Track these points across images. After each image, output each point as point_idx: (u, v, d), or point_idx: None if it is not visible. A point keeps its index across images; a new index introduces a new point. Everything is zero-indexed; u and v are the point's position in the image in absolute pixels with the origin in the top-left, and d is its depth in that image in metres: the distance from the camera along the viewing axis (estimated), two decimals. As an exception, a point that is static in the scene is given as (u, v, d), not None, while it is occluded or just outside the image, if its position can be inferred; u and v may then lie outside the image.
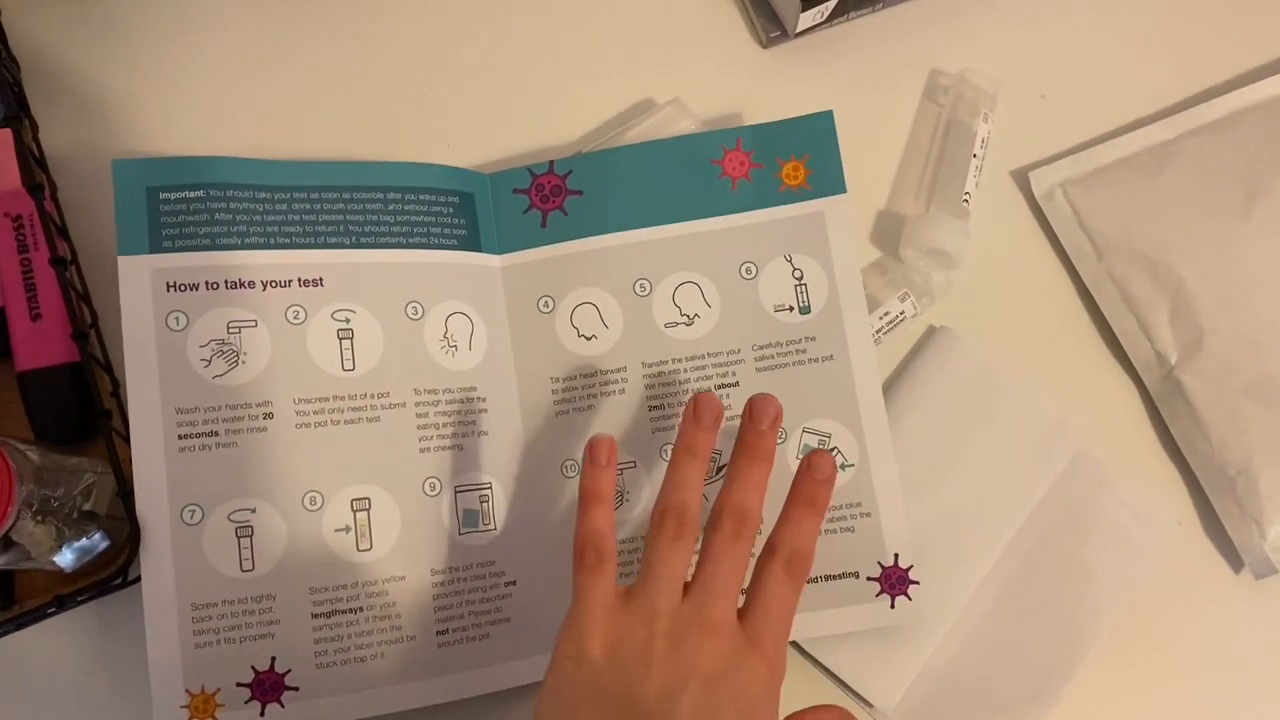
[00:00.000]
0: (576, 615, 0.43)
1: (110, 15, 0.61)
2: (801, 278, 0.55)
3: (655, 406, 0.54)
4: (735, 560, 0.43)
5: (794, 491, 0.46)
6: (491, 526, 0.53)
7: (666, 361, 0.55)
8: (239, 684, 0.49)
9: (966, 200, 0.59)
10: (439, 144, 0.61)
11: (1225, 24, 0.65)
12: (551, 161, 0.57)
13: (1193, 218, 0.59)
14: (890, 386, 0.58)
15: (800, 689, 0.54)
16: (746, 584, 0.45)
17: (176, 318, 0.51)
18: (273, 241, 0.53)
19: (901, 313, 0.57)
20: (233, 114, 0.61)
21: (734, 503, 0.44)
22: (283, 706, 0.49)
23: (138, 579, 0.52)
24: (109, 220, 0.58)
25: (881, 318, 0.57)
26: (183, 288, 0.52)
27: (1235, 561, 0.57)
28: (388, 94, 0.62)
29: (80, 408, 0.53)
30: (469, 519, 0.53)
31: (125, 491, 0.49)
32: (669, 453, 0.51)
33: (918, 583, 0.53)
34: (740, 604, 0.44)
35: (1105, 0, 0.66)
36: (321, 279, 0.53)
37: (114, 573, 0.51)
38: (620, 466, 0.54)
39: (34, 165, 0.56)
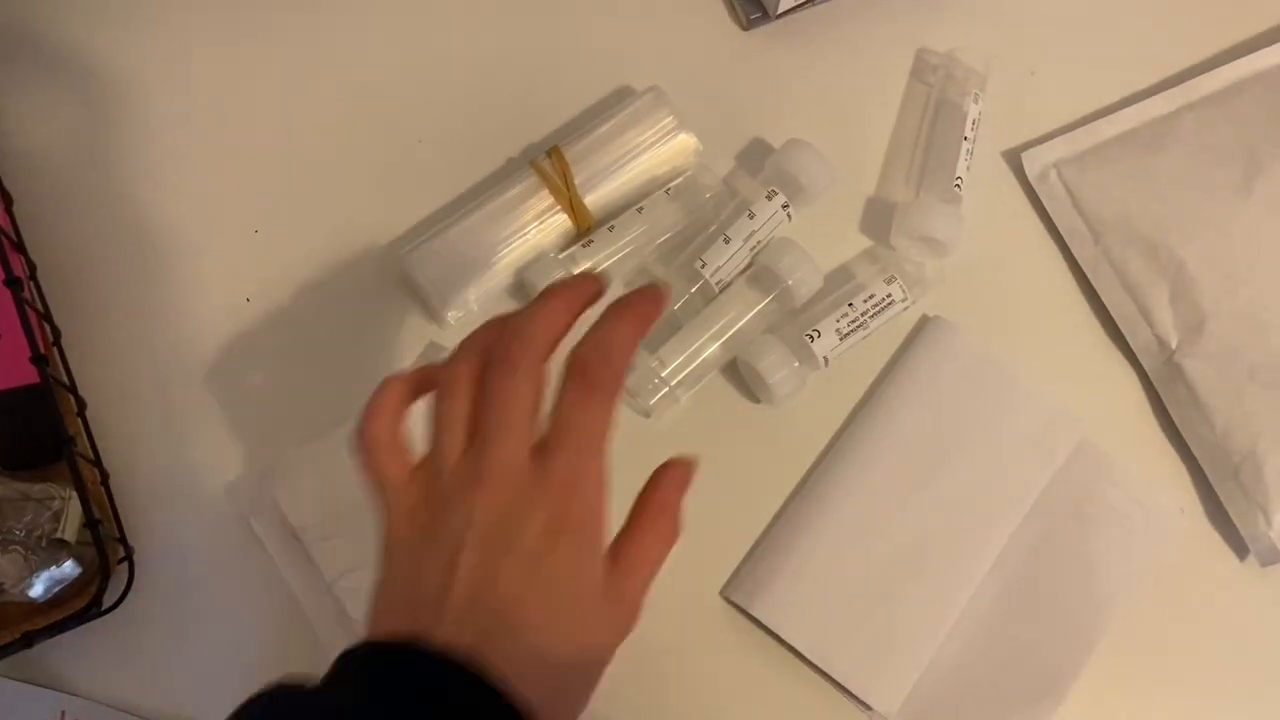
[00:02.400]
0: None
1: (69, 18, 0.59)
2: None
3: None
4: (513, 392, 0.36)
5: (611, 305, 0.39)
6: None
7: None
8: None
9: (958, 185, 0.57)
10: (409, 139, 0.59)
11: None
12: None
13: (1192, 196, 0.57)
14: (884, 378, 0.56)
15: (798, 692, 0.53)
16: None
17: None
18: None
19: (888, 296, 0.55)
20: (209, 110, 0.59)
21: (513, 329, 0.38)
22: None
23: (113, 608, 0.51)
24: (71, 231, 0.56)
25: (866, 300, 0.55)
26: None
27: (1241, 548, 0.55)
28: (358, 86, 0.59)
29: (46, 431, 0.51)
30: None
31: (93, 520, 0.47)
32: None
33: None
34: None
35: (1096, -31, 0.63)
36: None
37: (89, 602, 0.49)
38: None
39: (-14, 179, 0.54)
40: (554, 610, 0.35)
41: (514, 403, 0.36)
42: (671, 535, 0.39)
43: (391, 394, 0.39)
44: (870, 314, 0.55)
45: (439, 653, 0.32)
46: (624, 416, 0.55)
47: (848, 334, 0.55)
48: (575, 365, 0.36)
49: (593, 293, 0.39)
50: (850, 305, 0.55)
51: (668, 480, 0.39)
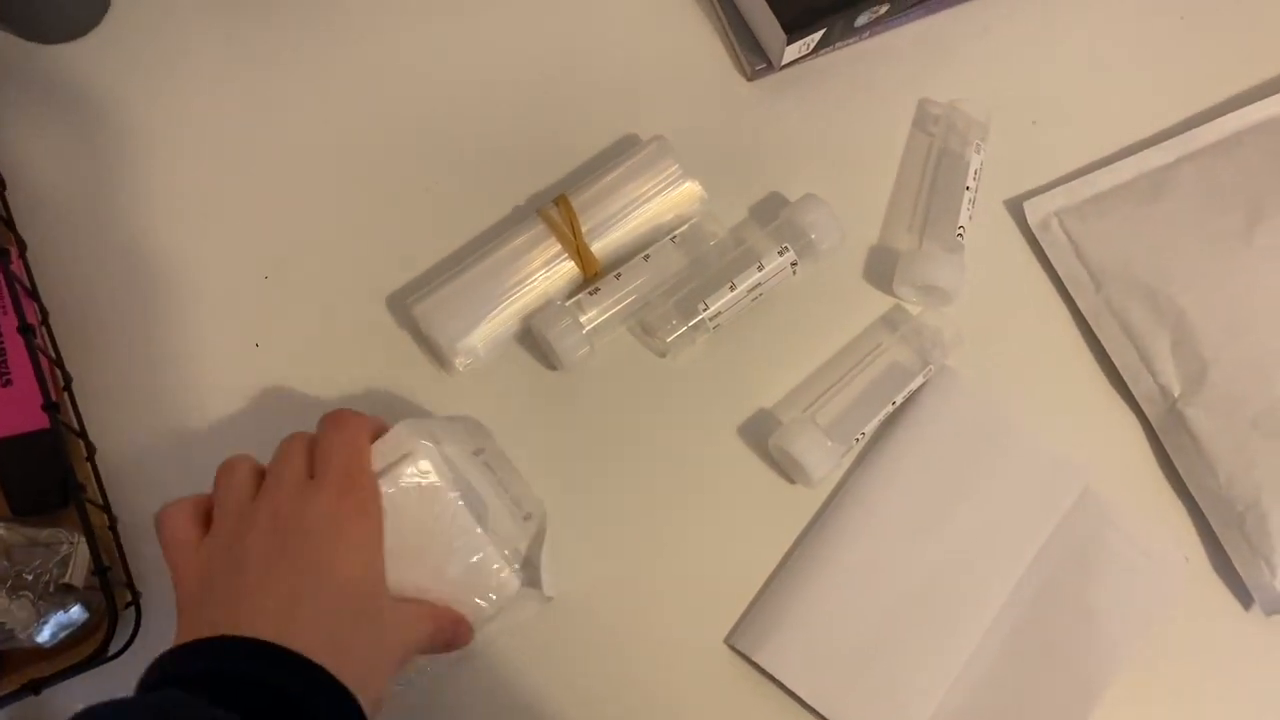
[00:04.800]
0: None
1: (82, 64, 0.60)
2: None
3: None
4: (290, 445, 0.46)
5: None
6: None
7: None
8: None
9: (960, 234, 0.57)
10: (417, 188, 0.59)
11: (1220, 44, 0.64)
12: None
13: (1193, 244, 0.58)
14: (890, 428, 0.57)
15: (804, 743, 0.53)
16: None
17: None
18: None
19: (921, 377, 0.57)
20: (221, 157, 0.59)
21: None
22: None
23: (121, 653, 0.51)
24: (83, 276, 0.57)
25: (905, 393, 0.56)
26: None
27: (1245, 598, 0.55)
28: (367, 134, 0.60)
29: (55, 476, 0.52)
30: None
31: (101, 567, 0.48)
32: None
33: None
34: None
35: (1096, 22, 0.64)
36: None
37: (97, 647, 0.49)
38: None
39: (1, 226, 0.55)
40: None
41: (286, 459, 0.45)
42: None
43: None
44: (903, 397, 0.56)
45: (244, 639, 0.38)
46: (642, 356, 0.58)
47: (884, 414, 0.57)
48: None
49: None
50: (893, 404, 0.56)
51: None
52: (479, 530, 0.46)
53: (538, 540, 0.53)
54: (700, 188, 0.57)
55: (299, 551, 0.41)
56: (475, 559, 0.46)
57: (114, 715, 0.35)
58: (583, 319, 0.55)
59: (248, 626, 0.38)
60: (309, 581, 0.41)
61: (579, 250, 0.56)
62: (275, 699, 0.36)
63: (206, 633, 0.38)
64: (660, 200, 0.57)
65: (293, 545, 0.41)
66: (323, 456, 0.45)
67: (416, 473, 0.45)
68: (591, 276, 0.56)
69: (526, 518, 0.53)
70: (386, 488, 0.45)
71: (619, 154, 0.58)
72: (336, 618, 0.40)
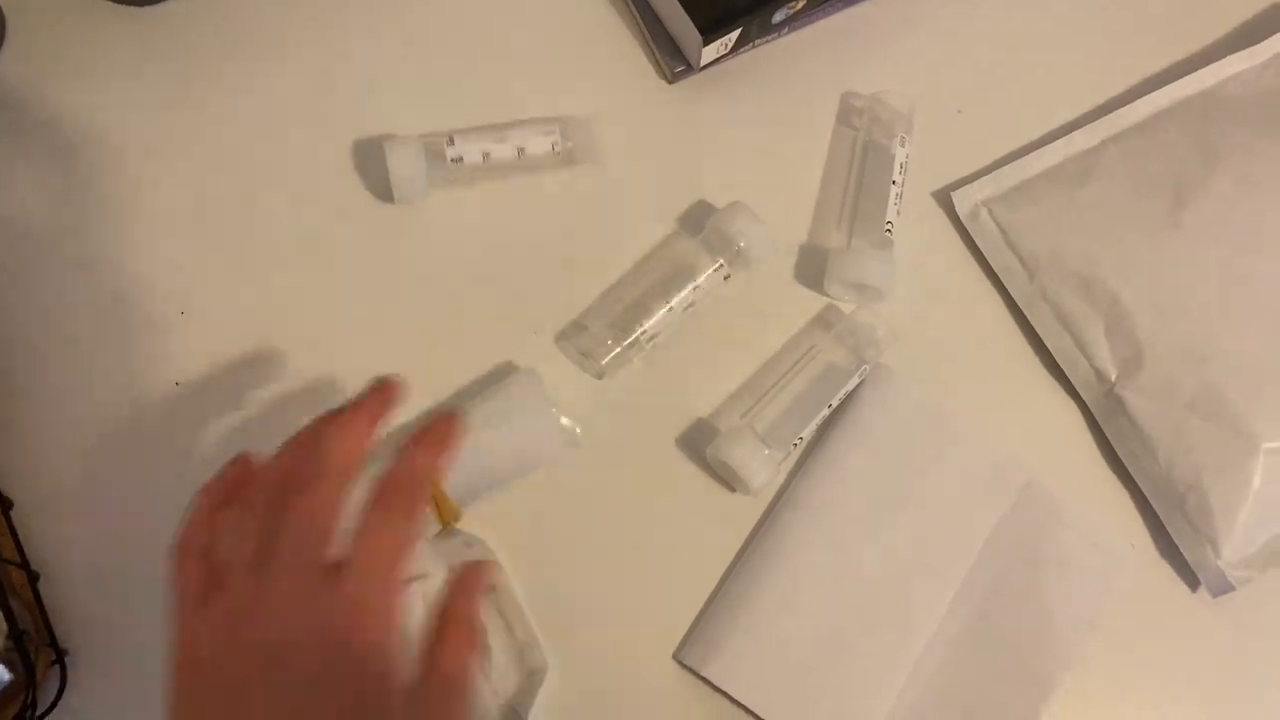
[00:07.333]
0: None
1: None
2: None
3: None
4: (302, 513, 0.37)
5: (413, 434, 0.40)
6: None
7: None
8: None
9: (889, 230, 0.56)
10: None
11: (1138, 24, 0.64)
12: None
13: (1122, 229, 0.57)
14: (828, 430, 0.56)
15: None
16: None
17: None
18: None
19: (856, 376, 0.56)
20: (119, 196, 0.57)
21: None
22: None
23: (47, 712, 0.49)
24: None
25: (840, 395, 0.55)
26: None
27: (1192, 580, 0.55)
28: (276, 173, 0.58)
29: (-34, 536, 0.50)
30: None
31: (16, 633, 0.46)
32: None
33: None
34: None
35: (1015, 4, 0.64)
36: None
37: (19, 709, 0.47)
38: None
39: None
40: None
41: (301, 525, 0.37)
42: (469, 646, 0.38)
43: (203, 505, 0.40)
44: (840, 399, 0.56)
45: None
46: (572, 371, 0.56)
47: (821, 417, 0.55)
48: (376, 492, 0.38)
49: (388, 400, 0.41)
50: (829, 406, 0.55)
51: (460, 590, 0.39)
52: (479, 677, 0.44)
53: (530, 693, 0.50)
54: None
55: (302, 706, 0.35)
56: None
57: None
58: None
59: None
60: None
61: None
62: None
63: None
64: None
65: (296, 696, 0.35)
66: (352, 554, 0.36)
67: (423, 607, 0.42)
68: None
69: (531, 673, 0.51)
70: None
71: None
72: None
